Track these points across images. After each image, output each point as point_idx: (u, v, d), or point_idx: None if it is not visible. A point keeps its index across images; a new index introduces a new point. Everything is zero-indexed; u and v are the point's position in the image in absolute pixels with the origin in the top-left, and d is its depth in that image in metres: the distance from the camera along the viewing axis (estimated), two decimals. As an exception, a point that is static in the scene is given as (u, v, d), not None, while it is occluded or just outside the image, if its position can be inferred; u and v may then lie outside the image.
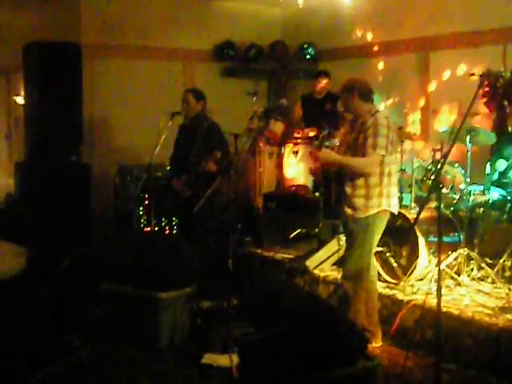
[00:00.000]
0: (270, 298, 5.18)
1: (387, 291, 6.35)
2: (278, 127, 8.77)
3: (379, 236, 5.84)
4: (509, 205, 6.44)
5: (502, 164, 6.76)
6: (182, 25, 10.16)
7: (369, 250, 5.75)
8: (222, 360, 5.34)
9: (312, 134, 8.46)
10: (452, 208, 6.75)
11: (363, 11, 9.35)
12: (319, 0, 8.27)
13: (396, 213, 5.86)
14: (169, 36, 10.07)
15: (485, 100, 7.63)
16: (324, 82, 8.95)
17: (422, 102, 8.78)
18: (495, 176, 6.79)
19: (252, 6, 10.63)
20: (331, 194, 5.96)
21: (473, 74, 4.72)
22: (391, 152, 5.61)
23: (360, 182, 5.62)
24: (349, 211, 5.72)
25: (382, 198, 5.63)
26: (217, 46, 10.54)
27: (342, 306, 5.86)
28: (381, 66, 9.36)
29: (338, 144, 6.38)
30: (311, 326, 4.57)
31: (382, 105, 8.86)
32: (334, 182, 5.83)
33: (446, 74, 8.44)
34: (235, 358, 5.05)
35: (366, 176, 5.59)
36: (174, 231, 8.22)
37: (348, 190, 5.68)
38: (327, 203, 6.50)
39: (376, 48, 9.34)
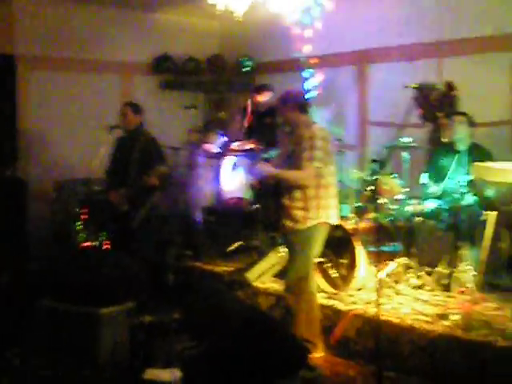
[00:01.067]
0: (211, 311, 5.19)
1: (327, 301, 6.38)
2: (216, 140, 8.78)
3: (319, 247, 5.89)
4: (445, 214, 6.57)
5: (424, 178, 6.93)
6: (120, 37, 10.10)
7: (309, 262, 5.77)
8: (165, 375, 5.31)
9: (251, 146, 8.49)
10: (390, 218, 6.86)
11: (301, 24, 9.45)
12: (256, 13, 8.30)
13: (335, 224, 5.90)
14: (106, 49, 10.00)
15: (420, 112, 7.80)
16: (267, 95, 8.97)
17: (360, 114, 8.90)
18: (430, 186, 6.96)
19: (190, 20, 10.66)
20: (270, 207, 5.98)
21: (407, 87, 4.80)
22: (327, 164, 5.63)
23: (297, 194, 5.63)
24: (288, 223, 5.72)
25: (320, 210, 5.65)
26: (155, 59, 10.53)
27: (284, 317, 5.89)
28: (319, 78, 9.46)
29: (276, 157, 6.41)
30: (252, 338, 4.60)
31: (321, 117, 8.93)
32: (272, 194, 5.84)
33: (383, 87, 8.59)
34: (178, 373, 5.04)
35: (303, 188, 5.61)
36: (113, 246, 8.15)
37: (286, 202, 5.69)
38: (266, 216, 6.50)
39: (314, 60, 9.43)
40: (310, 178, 5.56)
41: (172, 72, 10.60)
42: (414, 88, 4.68)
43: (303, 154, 5.52)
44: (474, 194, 5.99)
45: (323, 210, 5.66)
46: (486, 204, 4.31)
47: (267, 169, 5.80)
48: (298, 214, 5.64)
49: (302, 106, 5.78)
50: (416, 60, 8.25)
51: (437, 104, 7.50)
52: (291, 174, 5.63)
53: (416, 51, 8.27)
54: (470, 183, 5.38)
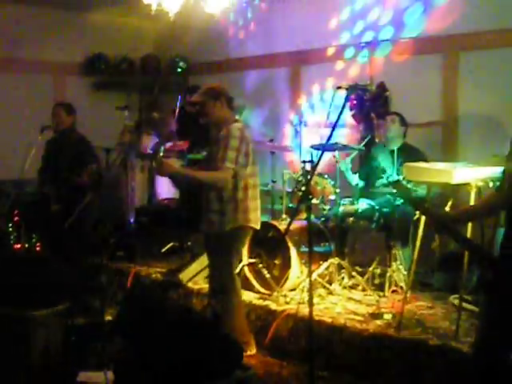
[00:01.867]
0: (144, 312, 5.12)
1: (261, 302, 6.37)
2: (149, 141, 8.71)
3: (241, 250, 5.88)
4: (377, 214, 6.62)
5: (354, 179, 6.98)
6: (52, 37, 9.91)
7: (231, 265, 5.63)
8: (98, 377, 5.22)
9: (184, 147, 8.43)
10: (323, 219, 6.88)
11: (236, 25, 9.46)
12: (191, 14, 8.25)
13: (257, 227, 5.75)
14: (38, 48, 9.81)
15: (352, 112, 7.86)
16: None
17: (293, 115, 8.92)
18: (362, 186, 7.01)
19: (123, 19, 10.54)
20: (191, 209, 5.87)
21: (339, 88, 4.80)
22: (246, 164, 5.44)
23: (213, 196, 5.45)
24: (205, 227, 5.59)
25: (238, 213, 5.46)
26: (88, 59, 10.37)
27: (216, 318, 5.84)
28: (254, 79, 9.46)
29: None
30: (186, 339, 4.55)
31: (254, 117, 8.94)
32: (193, 196, 5.69)
33: (316, 87, 8.64)
34: (111, 375, 4.96)
35: (219, 190, 5.42)
36: (45, 247, 8.01)
37: (203, 204, 5.52)
38: (194, 217, 6.36)
39: (248, 61, 9.43)
40: (224, 180, 5.36)
41: (105, 72, 10.45)
42: (346, 89, 4.66)
43: (218, 154, 5.33)
44: (400, 196, 6.02)
45: (242, 213, 5.47)
46: (411, 205, 4.33)
47: (173, 169, 5.52)
48: (214, 217, 5.47)
49: (231, 102, 5.62)
50: (348, 61, 8.31)
51: (370, 104, 7.57)
52: (203, 175, 5.46)
53: (349, 52, 8.32)
54: (397, 186, 5.41)
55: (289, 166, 8.24)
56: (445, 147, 7.59)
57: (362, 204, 6.75)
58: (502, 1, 7.08)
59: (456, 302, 5.62)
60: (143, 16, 8.49)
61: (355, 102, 7.78)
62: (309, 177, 5.72)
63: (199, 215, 5.68)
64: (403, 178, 5.83)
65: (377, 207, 6.65)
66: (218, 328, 5.43)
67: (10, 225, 8.11)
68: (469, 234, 5.02)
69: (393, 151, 6.68)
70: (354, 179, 7.05)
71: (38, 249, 7.96)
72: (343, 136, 7.62)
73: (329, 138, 4.53)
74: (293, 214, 5.89)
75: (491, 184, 5.32)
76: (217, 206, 5.45)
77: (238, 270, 6.02)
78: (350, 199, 6.82)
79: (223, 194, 5.43)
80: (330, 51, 8.51)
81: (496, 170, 5.28)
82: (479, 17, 7.19)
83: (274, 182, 7.28)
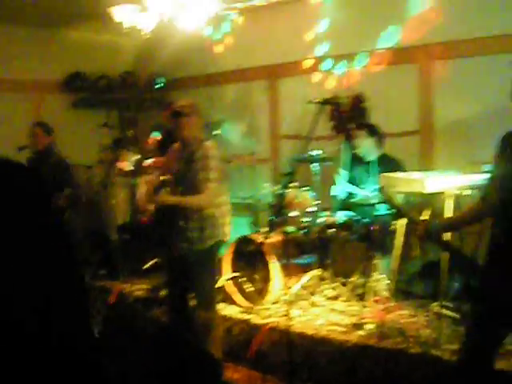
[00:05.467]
0: (125, 330, 5.13)
1: (243, 316, 6.42)
2: (129, 158, 8.72)
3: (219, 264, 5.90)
4: (357, 225, 6.67)
5: (335, 189, 7.03)
6: (30, 56, 9.88)
7: (214, 280, 5.71)
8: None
9: (160, 163, 8.42)
10: (303, 231, 6.91)
11: (212, 40, 9.51)
12: (169, 30, 8.29)
13: (249, 238, 5.82)
14: (15, 67, 9.75)
15: (332, 124, 7.92)
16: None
17: (272, 128, 8.98)
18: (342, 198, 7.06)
19: (101, 37, 10.54)
20: (165, 229, 5.83)
21: (311, 102, 4.87)
22: (222, 182, 5.52)
23: (192, 214, 5.49)
24: (185, 245, 5.58)
25: (217, 229, 5.53)
26: (66, 77, 10.37)
27: (199, 335, 5.84)
28: (232, 93, 9.52)
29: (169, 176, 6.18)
30: (167, 356, 4.56)
31: (233, 131, 8.97)
32: (167, 215, 5.67)
33: (294, 100, 8.69)
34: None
35: (199, 209, 5.48)
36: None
37: (182, 223, 5.55)
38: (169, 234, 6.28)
39: (226, 76, 9.49)
40: (211, 200, 5.44)
41: (84, 90, 10.47)
42: (317, 103, 4.72)
43: (200, 176, 5.39)
44: (384, 204, 6.09)
45: (219, 228, 5.55)
46: (396, 214, 4.39)
47: (170, 200, 5.59)
48: (195, 234, 5.50)
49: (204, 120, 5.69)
50: (325, 73, 8.39)
51: (347, 116, 7.63)
52: (193, 201, 5.48)
53: (326, 64, 8.40)
54: (380, 193, 5.47)
55: (269, 179, 8.28)
56: (422, 156, 7.68)
57: (342, 215, 6.80)
58: (475, 10, 7.18)
59: (438, 309, 5.66)
60: (121, 33, 8.52)
61: (333, 113, 7.84)
62: (288, 189, 5.80)
63: (176, 232, 5.69)
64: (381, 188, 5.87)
65: (357, 218, 6.71)
66: (200, 344, 5.45)
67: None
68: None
69: (371, 162, 6.74)
70: (333, 190, 7.10)
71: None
72: (323, 148, 7.65)
73: (305, 150, 4.58)
74: (270, 226, 5.91)
75: (468, 192, 5.40)
76: (197, 224, 5.48)
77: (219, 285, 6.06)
78: (330, 211, 6.87)
79: (203, 211, 5.47)
80: (307, 63, 8.58)
81: (472, 178, 5.36)
82: (453, 26, 7.29)
83: (253, 195, 7.31)
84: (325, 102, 4.82)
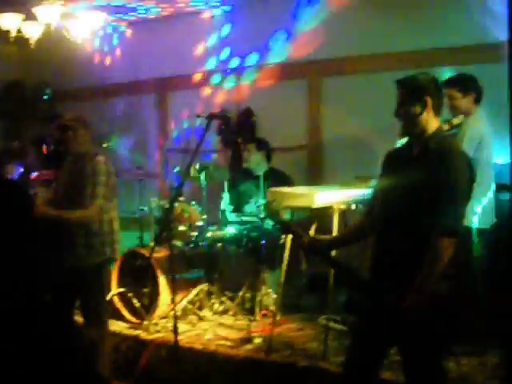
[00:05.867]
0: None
1: (131, 332, 6.32)
2: (13, 171, 8.50)
3: (109, 281, 5.82)
4: (245, 239, 6.69)
5: (224, 203, 7.07)
6: None
7: (102, 298, 5.53)
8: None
9: (51, 176, 8.25)
10: (191, 245, 6.88)
11: (101, 52, 9.41)
12: (55, 40, 8.15)
13: (137, 253, 5.75)
14: None
15: (220, 138, 7.96)
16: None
17: (161, 141, 8.94)
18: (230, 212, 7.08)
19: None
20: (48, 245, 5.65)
21: (198, 116, 4.89)
22: (112, 198, 5.39)
23: (78, 230, 5.30)
24: (72, 261, 5.36)
25: (106, 246, 5.37)
26: None
27: (87, 353, 5.69)
28: (121, 106, 9.42)
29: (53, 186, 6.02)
30: (53, 377, 4.45)
31: (122, 145, 8.88)
32: (49, 232, 5.49)
33: (184, 114, 8.68)
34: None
35: (85, 225, 5.31)
36: None
37: (67, 240, 5.34)
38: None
39: (115, 88, 9.38)
40: (94, 217, 5.28)
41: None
42: (205, 118, 4.74)
43: (86, 191, 5.22)
44: (271, 219, 6.13)
45: (108, 245, 5.39)
46: (280, 229, 4.43)
47: (49, 213, 5.29)
48: (82, 251, 5.32)
49: (91, 132, 5.52)
50: (215, 87, 8.42)
51: (236, 130, 7.69)
52: (73, 215, 5.29)
53: (215, 78, 8.44)
54: (267, 208, 5.51)
55: (158, 193, 8.22)
56: (311, 171, 7.83)
57: (231, 229, 6.81)
58: (361, 28, 7.36)
59: (324, 322, 5.72)
60: (8, 41, 8.31)
61: (222, 126, 7.88)
62: (176, 204, 5.74)
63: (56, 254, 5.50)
64: (265, 204, 5.91)
65: (245, 232, 6.73)
66: (88, 363, 5.33)
67: None
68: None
69: (259, 176, 6.78)
70: (222, 204, 7.12)
71: None
72: (214, 161, 7.67)
73: (190, 165, 4.58)
74: (156, 240, 5.82)
75: (353, 206, 5.51)
76: (83, 239, 5.31)
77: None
78: (218, 225, 6.87)
79: (90, 227, 5.31)
80: (197, 77, 8.60)
81: (359, 192, 5.47)
82: (340, 43, 7.47)
83: (141, 209, 7.24)
84: (212, 117, 4.82)
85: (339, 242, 4.35)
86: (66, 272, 5.38)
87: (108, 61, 9.43)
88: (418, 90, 3.64)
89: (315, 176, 7.66)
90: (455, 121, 5.38)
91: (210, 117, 4.83)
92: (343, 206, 5.50)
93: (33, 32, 7.76)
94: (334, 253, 5.06)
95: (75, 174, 5.36)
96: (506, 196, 5.45)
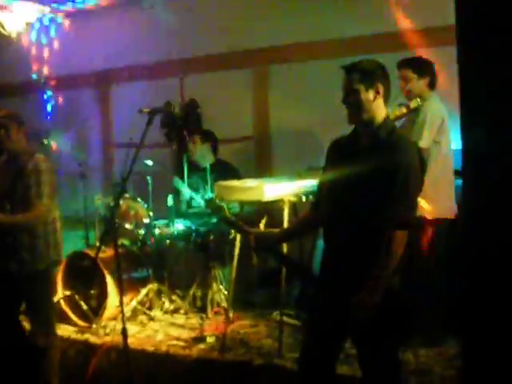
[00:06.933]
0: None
1: (80, 336, 6.21)
2: None
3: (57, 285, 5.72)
4: (194, 234, 6.65)
5: (169, 199, 6.95)
6: None
7: (49, 303, 5.41)
8: None
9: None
10: (139, 243, 6.81)
11: (38, 44, 9.24)
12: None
13: (81, 253, 5.68)
14: None
15: (165, 131, 7.88)
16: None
17: (103, 136, 8.84)
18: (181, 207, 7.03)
19: None
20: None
21: (141, 112, 4.81)
22: (54, 197, 5.24)
23: (22, 233, 5.15)
24: (16, 267, 5.18)
25: (50, 249, 5.23)
26: None
27: (35, 361, 5.57)
28: (60, 100, 9.26)
29: None
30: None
31: (62, 141, 8.73)
32: None
33: (127, 107, 8.55)
34: None
35: (29, 227, 5.17)
36: None
37: (10, 243, 5.17)
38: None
39: (53, 82, 9.22)
40: (42, 218, 5.14)
41: None
42: (147, 113, 4.66)
43: (31, 191, 5.06)
44: (214, 214, 6.07)
45: (53, 247, 5.25)
46: (227, 224, 4.39)
47: None
48: (26, 255, 5.16)
49: (23, 127, 5.28)
50: (159, 78, 8.33)
51: (181, 122, 7.61)
52: (22, 218, 5.13)
53: (158, 70, 8.35)
54: (210, 203, 5.45)
55: (101, 190, 8.10)
56: (259, 163, 7.78)
57: (179, 225, 6.76)
58: (308, 16, 7.32)
59: (278, 318, 5.69)
60: None
61: (166, 119, 7.79)
62: (121, 201, 5.67)
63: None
64: (215, 197, 5.85)
65: (193, 227, 6.69)
66: (35, 371, 5.24)
67: None
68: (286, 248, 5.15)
69: (205, 169, 6.75)
70: (169, 200, 7.04)
71: None
72: (158, 156, 7.55)
73: (133, 161, 4.52)
74: (101, 239, 5.72)
75: (304, 198, 5.49)
76: (27, 243, 5.15)
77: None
78: (166, 221, 6.82)
79: (34, 229, 5.16)
80: (139, 69, 8.48)
81: (309, 183, 5.45)
82: (286, 30, 7.42)
83: (86, 208, 7.16)
84: (155, 111, 4.75)
85: (288, 235, 4.30)
86: (8, 278, 5.26)
87: (45, 53, 9.24)
88: (369, 76, 3.60)
89: (264, 168, 7.60)
90: (413, 104, 5.36)
91: (155, 111, 4.76)
92: (294, 199, 5.48)
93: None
94: (285, 247, 5.13)
95: (13, 174, 5.22)
96: (458, 182, 5.47)
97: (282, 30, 7.45)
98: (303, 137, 7.41)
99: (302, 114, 7.33)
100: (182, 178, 7.09)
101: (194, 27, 8.04)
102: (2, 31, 7.86)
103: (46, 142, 7.41)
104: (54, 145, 8.02)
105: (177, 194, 7.11)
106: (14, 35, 7.96)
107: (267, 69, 7.72)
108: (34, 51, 9.25)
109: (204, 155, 7.05)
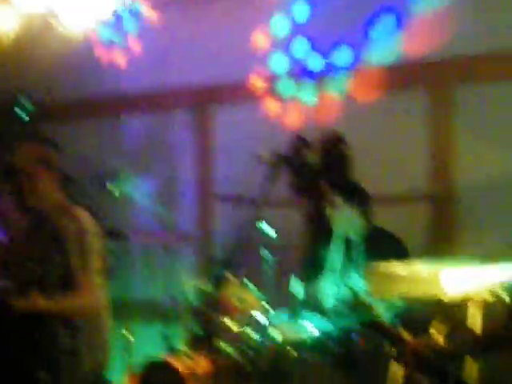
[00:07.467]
0: None
1: None
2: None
3: None
4: (332, 341, 6.51)
5: (295, 284, 6.84)
6: None
7: None
8: None
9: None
10: (249, 352, 6.69)
11: (107, 49, 9.45)
12: (42, 35, 8.29)
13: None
14: None
15: (291, 182, 7.86)
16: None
17: (200, 183, 8.97)
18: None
19: None
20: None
21: (261, 158, 4.82)
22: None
23: (57, 328, 5.29)
24: (44, 376, 5.29)
25: (98, 350, 5.44)
26: None
27: None
28: (138, 127, 9.44)
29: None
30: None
31: (138, 189, 8.84)
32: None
33: (234, 141, 8.64)
34: None
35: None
36: None
37: (38, 341, 5.30)
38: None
39: (129, 101, 9.42)
40: (93, 303, 5.33)
41: None
42: (269, 162, 4.62)
43: (74, 264, 5.23)
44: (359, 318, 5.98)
45: (100, 348, 5.51)
46: (379, 334, 4.26)
47: (40, 303, 5.27)
48: (62, 358, 5.30)
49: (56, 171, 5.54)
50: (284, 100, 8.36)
51: (317, 168, 7.53)
52: (72, 303, 5.31)
53: (284, 86, 8.38)
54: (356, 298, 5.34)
55: (193, 269, 8.14)
56: (437, 234, 7.70)
57: (310, 325, 6.63)
58: None
59: None
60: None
61: (294, 162, 7.75)
62: (221, 286, 5.65)
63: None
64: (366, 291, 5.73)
65: (331, 330, 6.55)
66: None
67: None
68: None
69: (352, 241, 6.66)
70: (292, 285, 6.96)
71: None
72: (280, 220, 7.50)
73: (248, 227, 4.49)
74: (195, 344, 5.73)
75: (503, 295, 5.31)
76: (67, 342, 5.31)
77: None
78: (290, 318, 6.73)
79: (74, 321, 5.30)
80: (254, 85, 8.51)
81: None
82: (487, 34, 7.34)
83: (171, 295, 7.20)
84: (284, 160, 4.69)
85: None
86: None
87: (118, 62, 9.41)
88: None
89: (444, 241, 7.50)
90: None
91: (280, 159, 4.71)
92: (488, 297, 5.29)
93: (8, 23, 7.86)
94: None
95: (45, 237, 5.26)
96: None
97: (478, 34, 7.37)
98: (508, 194, 7.25)
99: (506, 159, 7.18)
100: (313, 252, 7.05)
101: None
102: (63, 32, 8.06)
103: (110, 186, 7.47)
104: (125, 192, 8.06)
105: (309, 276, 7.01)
106: (79, 37, 8.16)
107: (452, 90, 7.62)
108: (101, 59, 9.46)
109: (350, 222, 6.93)
